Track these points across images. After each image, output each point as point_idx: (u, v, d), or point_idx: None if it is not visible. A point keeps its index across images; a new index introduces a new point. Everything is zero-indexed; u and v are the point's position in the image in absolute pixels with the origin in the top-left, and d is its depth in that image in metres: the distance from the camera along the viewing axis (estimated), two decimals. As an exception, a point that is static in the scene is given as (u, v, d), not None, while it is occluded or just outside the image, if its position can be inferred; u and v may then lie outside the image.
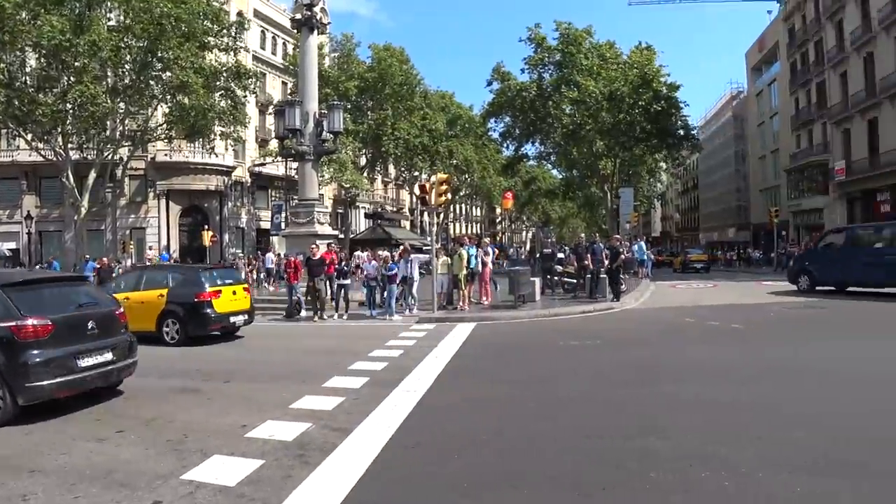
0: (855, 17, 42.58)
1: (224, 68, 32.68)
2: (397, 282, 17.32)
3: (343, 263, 18.01)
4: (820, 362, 9.62)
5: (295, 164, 29.34)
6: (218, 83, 32.39)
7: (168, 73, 30.45)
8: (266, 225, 45.90)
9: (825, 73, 47.94)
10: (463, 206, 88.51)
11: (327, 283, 17.79)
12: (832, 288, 20.78)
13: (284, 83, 49.70)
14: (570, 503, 4.55)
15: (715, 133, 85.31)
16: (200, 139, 35.96)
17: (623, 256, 20.99)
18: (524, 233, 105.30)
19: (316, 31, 22.67)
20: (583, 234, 28.09)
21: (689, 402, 7.44)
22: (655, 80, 42.13)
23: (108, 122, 32.62)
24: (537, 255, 26.68)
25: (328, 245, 18.48)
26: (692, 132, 48.94)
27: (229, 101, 33.25)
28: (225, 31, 33.07)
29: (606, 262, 19.79)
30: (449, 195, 18.96)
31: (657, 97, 42.04)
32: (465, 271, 17.94)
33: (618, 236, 27.75)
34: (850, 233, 22.92)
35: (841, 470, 5.00)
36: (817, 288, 21.06)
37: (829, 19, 46.85)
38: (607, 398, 7.71)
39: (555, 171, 64.43)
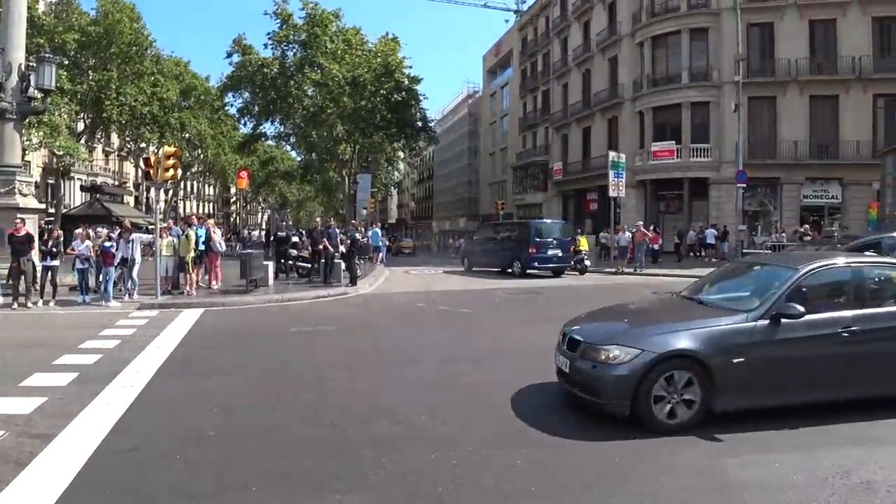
0: (578, 36, 48.01)
1: None
2: (115, 263, 15.85)
3: (51, 243, 15.93)
4: (539, 341, 10.59)
5: (-7, 124, 25.39)
6: None
7: None
8: (-46, 192, 39.24)
9: (550, 83, 53.48)
10: (195, 183, 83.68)
11: (32, 264, 15.60)
12: (483, 269, 27.19)
13: (-17, 26, 42.76)
14: (303, 499, 4.50)
15: (451, 128, 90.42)
16: None
17: (359, 242, 21.36)
18: (260, 214, 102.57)
19: (27, -31, 19.68)
20: (318, 218, 28.00)
21: (420, 384, 7.81)
22: (398, 70, 43.28)
23: None
24: (272, 238, 26.16)
25: (18, 221, 15.92)
26: (430, 124, 51.09)
27: None
28: None
29: (342, 248, 20.03)
30: (178, 171, 17.74)
31: (399, 88, 43.34)
32: (192, 253, 17.01)
33: (354, 222, 28.18)
34: (482, 228, 32.84)
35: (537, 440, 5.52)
36: (473, 269, 27.83)
37: (556, 35, 52.29)
38: (340, 385, 7.79)
39: (294, 153, 63.32)
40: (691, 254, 32.38)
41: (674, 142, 36.17)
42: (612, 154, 29.56)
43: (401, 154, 60.46)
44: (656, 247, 29.61)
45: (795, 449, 5.36)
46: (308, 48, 42.96)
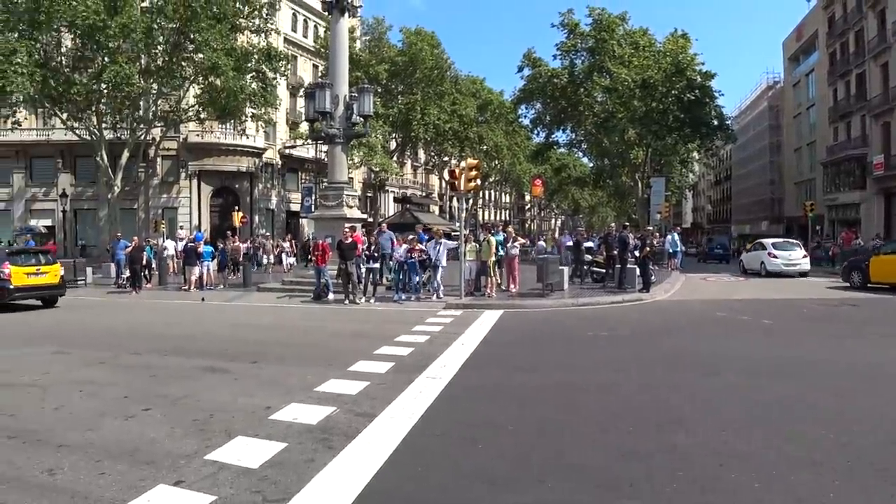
0: (899, 6, 41.44)
1: (255, 50, 32.79)
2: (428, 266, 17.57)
3: (373, 248, 17.97)
4: (842, 360, 9.34)
5: (325, 147, 29.35)
6: (249, 65, 32.49)
7: (199, 55, 30.61)
8: (296, 207, 46.18)
9: (865, 64, 46.58)
10: (492, 192, 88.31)
11: (357, 266, 17.73)
12: None
13: (315, 66, 49.79)
14: (593, 499, 4.45)
15: (749, 123, 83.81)
16: (231, 120, 36.34)
17: (650, 247, 20.55)
18: (553, 220, 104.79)
19: (347, 14, 22.41)
20: (612, 224, 27.80)
21: (714, 396, 7.33)
22: (689, 68, 41.12)
23: (142, 103, 33.18)
24: (567, 245, 26.46)
25: (347, 229, 18.31)
26: (726, 122, 47.86)
27: (260, 83, 33.41)
28: (256, 12, 33.22)
29: (636, 253, 19.57)
30: (478, 181, 18.82)
31: (691, 86, 41.11)
32: (493, 258, 17.85)
33: (650, 227, 27.43)
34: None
35: (864, 468, 4.83)
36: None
37: (870, 8, 45.54)
38: (633, 390, 7.59)
39: (585, 159, 63.87)
40: None
41: None
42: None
43: (696, 155, 57.64)
44: None
45: None
46: (596, 54, 42.97)
